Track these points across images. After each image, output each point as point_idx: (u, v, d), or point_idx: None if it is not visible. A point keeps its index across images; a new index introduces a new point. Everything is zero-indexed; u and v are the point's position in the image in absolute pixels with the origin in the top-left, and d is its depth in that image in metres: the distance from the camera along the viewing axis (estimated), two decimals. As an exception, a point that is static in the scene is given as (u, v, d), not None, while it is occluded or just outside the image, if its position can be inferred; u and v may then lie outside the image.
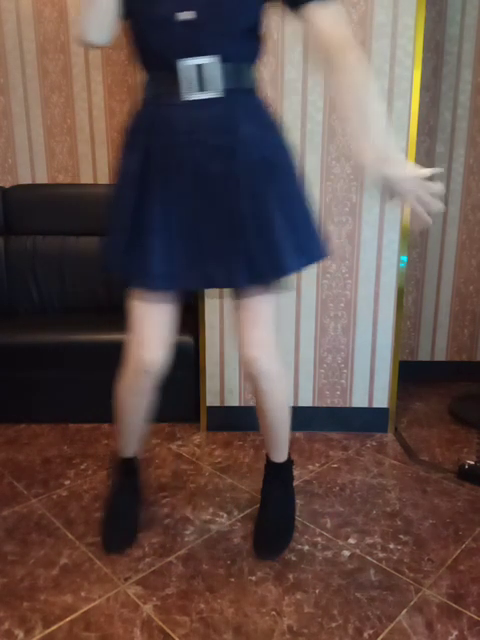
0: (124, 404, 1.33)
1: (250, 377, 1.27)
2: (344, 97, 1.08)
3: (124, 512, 1.43)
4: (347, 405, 2.04)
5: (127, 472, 1.46)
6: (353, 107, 1.06)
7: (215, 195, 1.12)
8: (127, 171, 1.16)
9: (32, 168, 2.49)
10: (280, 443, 1.41)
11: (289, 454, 1.46)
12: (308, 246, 1.19)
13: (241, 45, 1.11)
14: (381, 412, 2.03)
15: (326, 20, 1.07)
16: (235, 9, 1.07)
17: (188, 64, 1.07)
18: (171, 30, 1.06)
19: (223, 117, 1.11)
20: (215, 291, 1.37)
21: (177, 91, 1.09)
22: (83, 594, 1.23)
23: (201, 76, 1.08)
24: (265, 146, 1.14)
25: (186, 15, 1.03)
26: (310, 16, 1.07)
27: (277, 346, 1.27)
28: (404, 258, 1.90)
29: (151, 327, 1.22)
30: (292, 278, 1.27)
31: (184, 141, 1.10)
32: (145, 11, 1.08)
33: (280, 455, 1.43)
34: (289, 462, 1.47)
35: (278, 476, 1.46)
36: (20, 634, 1.12)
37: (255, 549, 1.37)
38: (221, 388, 2.02)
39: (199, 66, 1.07)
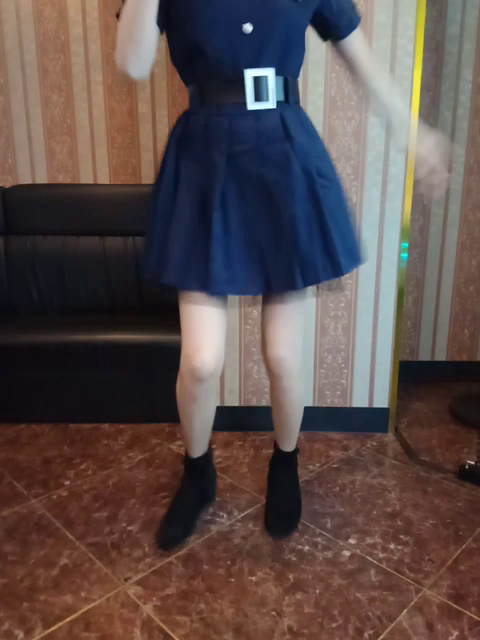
0: (184, 409, 1.35)
1: (274, 375, 1.33)
2: (384, 105, 1.34)
3: (187, 509, 1.47)
4: (347, 405, 2.04)
5: (193, 472, 1.50)
6: (392, 111, 1.35)
7: (272, 202, 1.17)
8: (181, 178, 1.18)
9: (32, 168, 2.49)
10: (293, 435, 1.50)
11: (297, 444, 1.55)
12: (354, 250, 1.28)
13: (290, 59, 1.18)
14: (381, 412, 2.03)
15: (362, 50, 1.27)
16: (289, 25, 1.14)
17: (250, 75, 1.13)
18: (236, 41, 1.10)
19: (279, 128, 1.17)
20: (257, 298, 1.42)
21: (239, 100, 1.14)
22: (83, 594, 1.23)
23: (259, 87, 1.14)
24: (315, 156, 1.21)
25: (248, 28, 1.09)
26: (348, 47, 1.26)
27: (300, 348, 1.34)
28: (404, 257, 1.90)
29: (206, 333, 1.23)
30: (345, 280, 1.35)
31: (243, 149, 1.15)
32: (208, 21, 1.09)
33: (291, 445, 1.52)
34: (296, 450, 1.56)
35: (288, 463, 1.55)
36: (20, 634, 1.12)
37: (268, 529, 1.45)
38: (221, 388, 2.02)
39: (257, 78, 1.14)
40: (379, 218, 1.87)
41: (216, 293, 1.18)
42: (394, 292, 1.93)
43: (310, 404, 2.04)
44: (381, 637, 1.12)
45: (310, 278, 1.19)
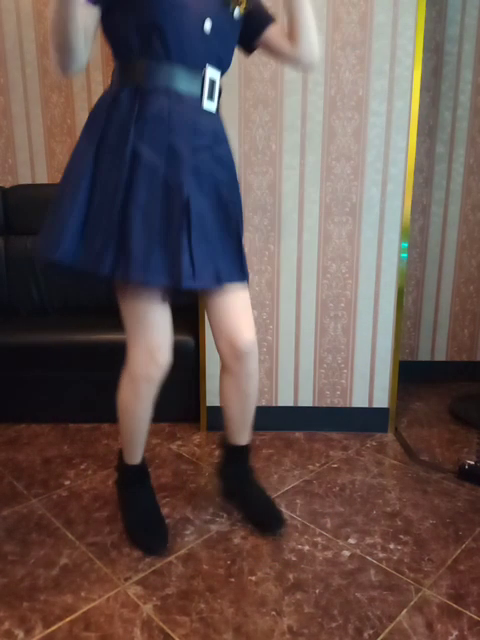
0: (131, 411, 1.30)
1: (241, 361, 1.33)
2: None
3: (154, 512, 1.43)
4: (347, 405, 2.04)
5: (141, 478, 1.45)
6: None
7: (220, 199, 1.22)
8: (141, 165, 1.10)
9: (32, 168, 2.49)
10: (249, 425, 1.47)
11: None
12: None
13: (227, 68, 1.25)
14: (381, 412, 2.03)
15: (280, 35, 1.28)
16: (234, 34, 1.23)
17: (209, 73, 1.17)
18: (198, 35, 1.13)
19: (222, 130, 1.25)
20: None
21: (195, 95, 1.17)
22: (83, 594, 1.23)
23: (212, 88, 1.19)
24: (233, 164, 1.29)
25: (208, 25, 1.13)
26: (270, 39, 1.28)
27: None
28: (404, 257, 1.90)
29: (159, 330, 1.21)
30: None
31: (202, 145, 1.18)
32: (175, 9, 1.10)
33: (248, 436, 1.49)
34: (250, 445, 1.52)
35: (247, 458, 1.52)
36: (20, 634, 1.12)
37: (262, 527, 1.43)
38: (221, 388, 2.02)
39: (212, 78, 1.19)
40: (379, 218, 1.87)
41: (185, 287, 1.12)
42: (394, 292, 1.93)
43: (310, 404, 2.04)
44: (381, 637, 1.12)
45: (245, 273, 1.30)
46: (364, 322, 1.96)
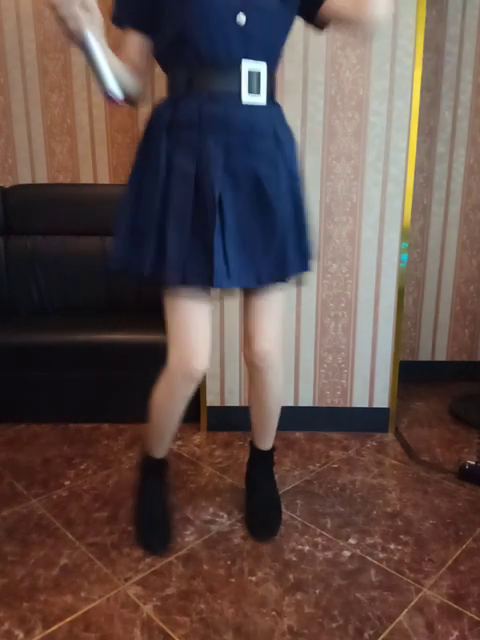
0: (164, 408, 1.31)
1: (258, 369, 1.32)
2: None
3: (162, 510, 1.45)
4: (347, 405, 2.04)
5: (160, 472, 1.48)
6: None
7: (263, 197, 1.16)
8: (175, 170, 1.14)
9: (32, 168, 2.49)
10: (272, 432, 1.49)
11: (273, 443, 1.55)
12: (311, 248, 1.32)
13: (277, 57, 1.20)
14: (381, 412, 2.03)
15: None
16: (278, 22, 1.15)
17: (247, 67, 1.12)
18: (229, 31, 1.09)
19: (270, 124, 1.18)
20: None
21: (233, 90, 1.13)
22: (83, 594, 1.23)
23: (252, 81, 1.14)
24: (294, 156, 1.25)
25: (241, 18, 1.09)
26: (330, 7, 1.18)
27: (281, 342, 1.36)
28: (405, 257, 1.90)
29: (202, 332, 1.22)
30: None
31: (238, 142, 1.13)
32: (200, 11, 1.09)
33: (269, 443, 1.52)
34: (274, 449, 1.56)
35: (266, 463, 1.56)
36: (20, 634, 1.12)
37: (253, 533, 1.43)
38: (221, 388, 2.02)
39: (252, 71, 1.13)
40: (379, 218, 1.87)
41: (219, 286, 1.15)
42: (394, 292, 1.93)
43: (310, 404, 2.04)
44: (381, 637, 1.12)
45: (293, 272, 1.25)
46: (364, 322, 1.96)
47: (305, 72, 1.77)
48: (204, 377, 1.99)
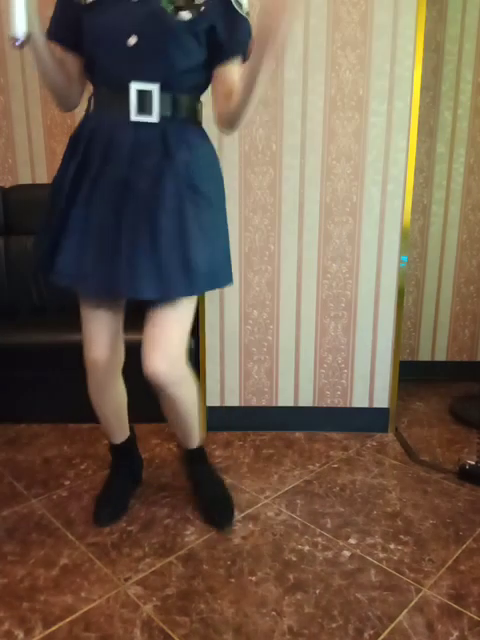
0: (95, 402, 1.47)
1: (153, 386, 1.28)
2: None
3: (116, 490, 1.57)
4: (347, 405, 2.04)
5: (118, 456, 1.61)
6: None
7: (138, 210, 1.17)
8: (64, 175, 1.23)
9: (32, 168, 2.49)
10: (191, 434, 1.49)
11: (200, 439, 1.56)
12: (217, 272, 1.27)
13: (178, 77, 1.19)
14: (381, 412, 2.03)
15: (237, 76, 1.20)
16: (173, 42, 1.14)
17: (135, 87, 1.17)
18: (120, 53, 1.15)
19: (158, 141, 1.19)
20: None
21: (123, 111, 1.18)
22: (83, 594, 1.23)
23: (143, 100, 1.17)
24: (195, 175, 1.21)
25: (131, 40, 1.13)
26: (228, 75, 1.21)
27: (183, 355, 1.29)
28: (404, 258, 1.90)
29: (94, 328, 1.34)
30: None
31: (117, 155, 1.18)
32: (97, 34, 1.16)
33: (192, 442, 1.52)
34: (202, 446, 1.57)
35: (196, 459, 1.57)
36: (20, 634, 1.12)
37: (211, 523, 1.48)
38: (221, 388, 2.02)
39: (142, 91, 1.17)
40: (379, 218, 1.87)
41: (60, 283, 1.22)
42: (394, 292, 1.93)
43: (310, 404, 2.04)
44: (381, 637, 1.12)
45: (164, 290, 1.19)
46: (364, 322, 1.96)
47: (305, 72, 1.77)
48: (204, 378, 1.99)
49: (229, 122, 1.21)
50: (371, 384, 2.01)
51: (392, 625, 1.14)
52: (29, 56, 2.41)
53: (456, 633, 1.13)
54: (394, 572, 1.30)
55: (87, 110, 1.26)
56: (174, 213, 1.18)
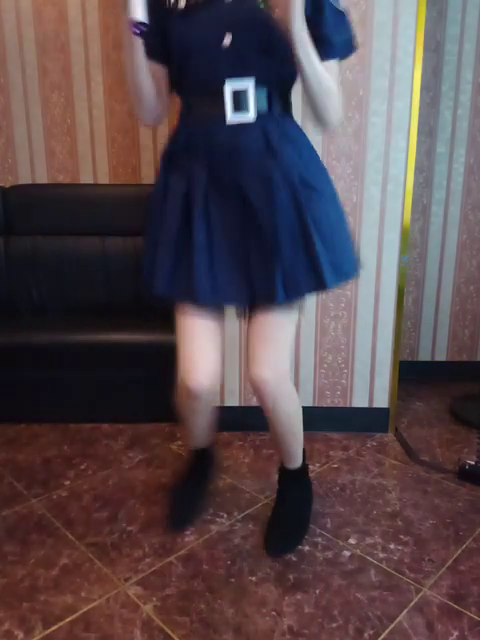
0: (184, 416, 1.37)
1: (257, 395, 1.25)
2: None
3: (190, 494, 1.52)
4: (347, 405, 2.04)
5: (194, 460, 1.56)
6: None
7: (255, 213, 1.15)
8: (170, 191, 1.21)
9: (32, 168, 2.49)
10: (291, 452, 1.42)
11: (304, 459, 1.48)
12: (342, 263, 1.23)
13: (273, 70, 1.16)
14: (381, 412, 2.03)
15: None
16: (268, 35, 1.11)
17: (229, 88, 1.13)
18: (215, 55, 1.12)
19: (259, 139, 1.16)
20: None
21: (219, 113, 1.15)
22: (83, 594, 1.23)
23: (238, 100, 1.14)
24: (301, 166, 1.19)
25: (227, 41, 1.10)
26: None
27: (288, 366, 1.26)
28: (404, 258, 1.90)
29: (200, 350, 1.21)
30: (306, 302, 1.29)
31: (222, 160, 1.16)
32: (187, 40, 1.13)
33: (292, 462, 1.45)
34: (304, 467, 1.50)
35: (292, 480, 1.49)
36: (20, 634, 1.12)
37: (265, 545, 1.39)
38: (221, 388, 2.02)
39: (237, 91, 1.14)
40: (379, 218, 1.87)
41: (202, 302, 1.17)
42: (394, 292, 1.93)
43: (310, 404, 2.04)
44: (381, 637, 1.12)
45: (292, 291, 1.16)
46: (364, 322, 1.96)
47: (305, 72, 1.77)
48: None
49: (315, 117, 1.19)
50: (371, 384, 2.01)
51: (392, 625, 1.14)
52: (29, 56, 2.37)
53: (456, 633, 1.13)
54: (394, 572, 1.30)
55: (177, 126, 1.24)
56: (289, 209, 1.15)
